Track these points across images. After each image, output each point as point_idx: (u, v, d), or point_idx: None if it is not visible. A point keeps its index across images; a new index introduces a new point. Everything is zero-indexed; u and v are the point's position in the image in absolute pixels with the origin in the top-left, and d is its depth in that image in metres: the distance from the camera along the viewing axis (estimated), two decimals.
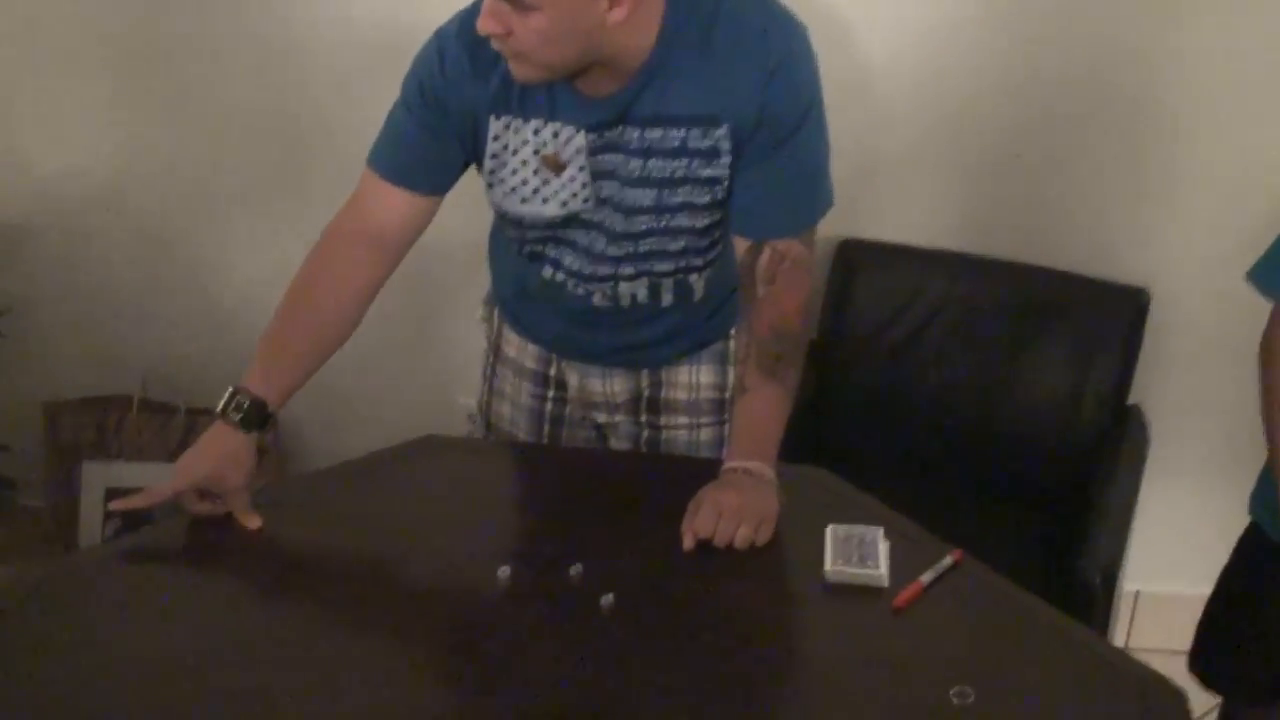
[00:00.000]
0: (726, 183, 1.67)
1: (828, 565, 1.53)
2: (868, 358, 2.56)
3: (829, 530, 1.57)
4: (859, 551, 1.54)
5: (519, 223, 1.74)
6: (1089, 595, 2.10)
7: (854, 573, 1.52)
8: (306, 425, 2.72)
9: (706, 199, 1.68)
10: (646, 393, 1.94)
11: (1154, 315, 2.45)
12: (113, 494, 2.69)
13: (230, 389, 1.64)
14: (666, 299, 1.82)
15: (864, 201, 2.52)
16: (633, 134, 1.63)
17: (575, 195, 1.69)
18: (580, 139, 1.64)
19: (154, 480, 2.61)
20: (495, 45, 1.54)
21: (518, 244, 1.79)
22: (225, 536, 1.59)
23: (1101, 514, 2.25)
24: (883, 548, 1.55)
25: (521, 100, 1.64)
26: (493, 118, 1.66)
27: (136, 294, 2.77)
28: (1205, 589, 2.12)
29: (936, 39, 2.41)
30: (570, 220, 1.72)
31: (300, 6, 2.47)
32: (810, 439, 2.42)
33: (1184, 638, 2.14)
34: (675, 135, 1.63)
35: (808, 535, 1.57)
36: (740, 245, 1.70)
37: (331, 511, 1.67)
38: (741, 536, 1.56)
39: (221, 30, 2.51)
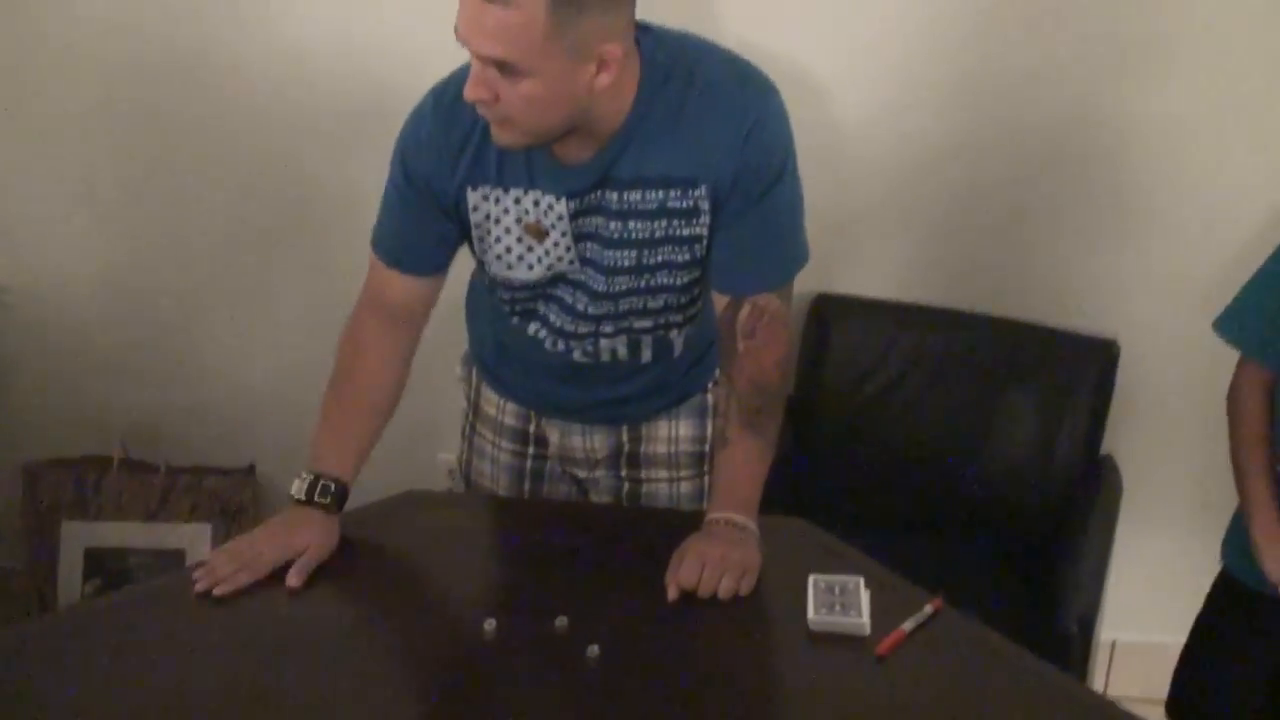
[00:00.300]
0: (705, 241, 1.68)
1: (810, 614, 1.54)
2: (843, 411, 2.58)
3: (811, 580, 1.58)
4: (841, 600, 1.55)
5: (508, 284, 1.76)
6: (1066, 645, 2.12)
7: (836, 621, 1.53)
8: (287, 483, 2.72)
9: (686, 257, 1.70)
10: (627, 447, 1.95)
11: (1124, 366, 2.49)
12: (92, 554, 2.69)
13: (309, 475, 1.70)
14: (646, 355, 1.84)
15: (837, 257, 2.55)
16: (612, 196, 1.64)
17: (560, 259, 1.70)
18: (561, 206, 1.65)
19: (135, 540, 2.66)
20: (481, 111, 1.53)
21: (509, 305, 1.81)
22: (207, 593, 1.59)
23: (1077, 563, 2.26)
24: (864, 596, 1.56)
25: (499, 170, 1.65)
26: (469, 189, 1.67)
27: (115, 354, 2.76)
28: (1181, 637, 2.13)
29: (905, 100, 2.45)
30: (556, 279, 1.74)
31: (284, 74, 2.50)
32: (788, 492, 2.43)
33: (1161, 687, 2.15)
34: (654, 196, 1.64)
35: (790, 585, 1.58)
36: (719, 301, 1.71)
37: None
38: (725, 587, 1.57)
39: (201, 99, 2.53)
